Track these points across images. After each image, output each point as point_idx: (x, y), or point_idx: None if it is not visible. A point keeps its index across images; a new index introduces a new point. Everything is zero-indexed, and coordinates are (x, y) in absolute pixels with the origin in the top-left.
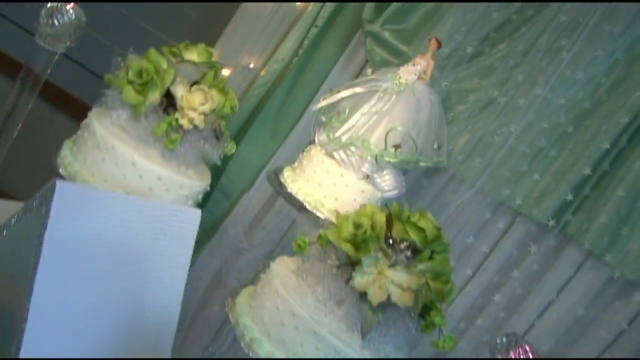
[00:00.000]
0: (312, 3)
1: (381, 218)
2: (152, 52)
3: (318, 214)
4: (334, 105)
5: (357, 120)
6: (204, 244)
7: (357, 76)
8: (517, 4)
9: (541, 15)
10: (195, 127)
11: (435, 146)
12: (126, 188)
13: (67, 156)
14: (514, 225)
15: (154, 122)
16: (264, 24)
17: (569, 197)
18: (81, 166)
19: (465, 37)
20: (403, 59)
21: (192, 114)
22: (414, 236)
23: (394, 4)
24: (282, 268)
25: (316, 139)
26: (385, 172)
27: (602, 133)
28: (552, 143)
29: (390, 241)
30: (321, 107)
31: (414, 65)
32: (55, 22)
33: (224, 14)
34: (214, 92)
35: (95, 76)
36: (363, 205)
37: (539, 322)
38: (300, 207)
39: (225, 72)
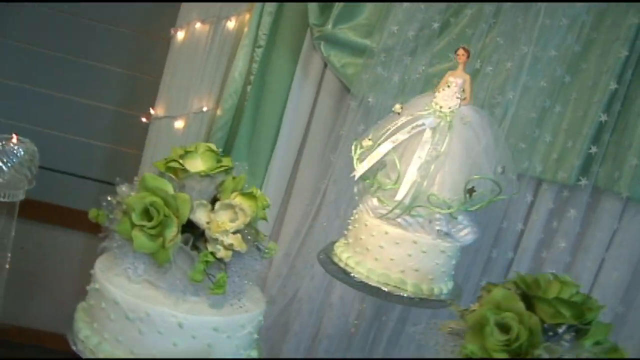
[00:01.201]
0: (246, 25)
1: (520, 306)
2: (148, 178)
3: (401, 293)
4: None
5: (414, 175)
6: None
7: (319, 85)
8: None
9: None
10: (240, 252)
11: (499, 169)
12: (180, 355)
13: (89, 337)
14: (540, 194)
15: (185, 263)
16: (201, 60)
17: (592, 149)
18: (114, 346)
19: (426, 13)
20: (368, 55)
21: (228, 239)
22: (567, 314)
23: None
24: None
25: (364, 207)
26: (459, 220)
27: (603, 73)
28: (555, 99)
29: (550, 333)
30: (363, 174)
31: (448, 87)
32: (4, 168)
33: (152, 63)
34: (240, 201)
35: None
36: (485, 290)
37: (598, 284)
38: (372, 291)
39: (179, 124)
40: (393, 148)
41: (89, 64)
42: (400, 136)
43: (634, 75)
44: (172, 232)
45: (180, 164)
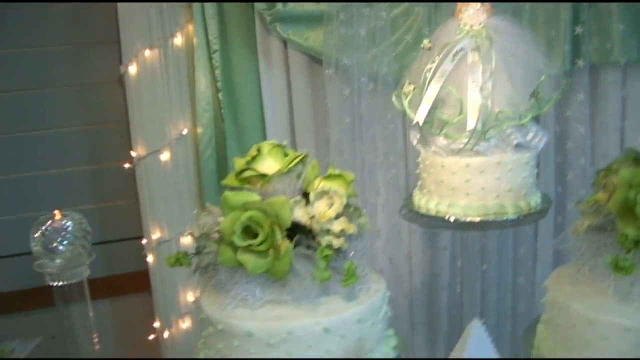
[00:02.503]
0: (193, 36)
1: None
2: (230, 196)
3: (505, 217)
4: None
5: (477, 99)
6: None
7: (286, 67)
8: None
9: None
10: (350, 235)
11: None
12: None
13: None
14: None
15: (304, 267)
16: (162, 86)
17: (576, 30)
18: None
19: None
20: (327, 20)
21: (335, 226)
22: None
23: None
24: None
25: (431, 151)
26: (529, 128)
27: None
28: None
29: None
30: (425, 119)
31: (467, 4)
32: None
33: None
34: (328, 185)
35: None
36: (603, 175)
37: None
38: (475, 227)
39: (165, 156)
40: (445, 81)
41: (48, 133)
42: (447, 67)
43: None
44: (281, 240)
45: (255, 170)
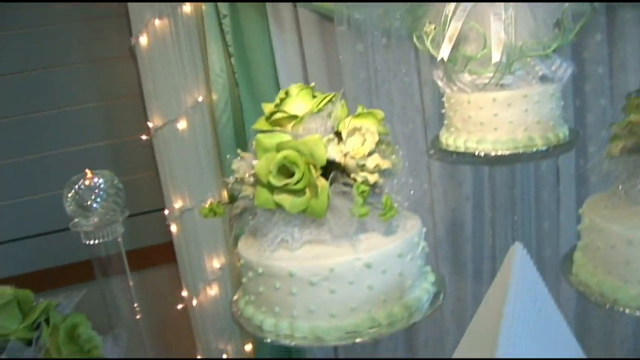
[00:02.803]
0: (201, 4)
1: None
2: (263, 138)
3: (534, 149)
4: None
5: (500, 31)
6: None
7: (297, 27)
8: None
9: None
10: (386, 170)
11: None
12: (378, 295)
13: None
14: None
15: (342, 204)
16: (175, 54)
17: None
18: (308, 319)
19: None
20: None
21: (369, 162)
22: None
23: None
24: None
25: (456, 88)
26: (554, 59)
27: None
28: None
29: None
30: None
31: None
32: (95, 205)
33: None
34: (359, 122)
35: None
36: (633, 97)
37: None
38: (504, 160)
39: (182, 125)
40: (467, 17)
41: (63, 112)
42: (464, 5)
43: None
44: (318, 178)
45: (285, 112)
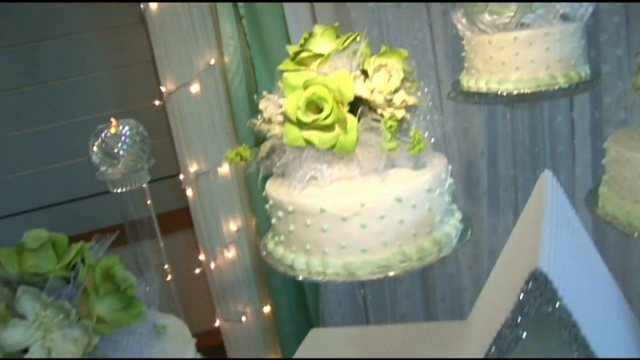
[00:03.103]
0: None
1: None
2: (289, 76)
3: (556, 87)
4: None
5: None
6: None
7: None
8: None
9: None
10: (413, 106)
11: None
12: (409, 230)
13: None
14: None
15: (371, 139)
16: (186, 17)
17: None
18: (339, 255)
19: None
20: None
21: (396, 98)
22: None
23: None
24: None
25: (477, 30)
26: None
27: None
28: None
29: None
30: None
31: None
32: (122, 152)
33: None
34: (385, 60)
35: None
36: None
37: None
38: (526, 98)
39: (195, 88)
40: None
41: (75, 81)
42: None
43: None
44: (347, 114)
45: (310, 51)
